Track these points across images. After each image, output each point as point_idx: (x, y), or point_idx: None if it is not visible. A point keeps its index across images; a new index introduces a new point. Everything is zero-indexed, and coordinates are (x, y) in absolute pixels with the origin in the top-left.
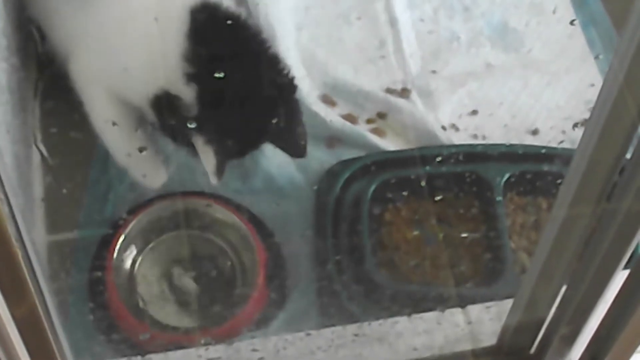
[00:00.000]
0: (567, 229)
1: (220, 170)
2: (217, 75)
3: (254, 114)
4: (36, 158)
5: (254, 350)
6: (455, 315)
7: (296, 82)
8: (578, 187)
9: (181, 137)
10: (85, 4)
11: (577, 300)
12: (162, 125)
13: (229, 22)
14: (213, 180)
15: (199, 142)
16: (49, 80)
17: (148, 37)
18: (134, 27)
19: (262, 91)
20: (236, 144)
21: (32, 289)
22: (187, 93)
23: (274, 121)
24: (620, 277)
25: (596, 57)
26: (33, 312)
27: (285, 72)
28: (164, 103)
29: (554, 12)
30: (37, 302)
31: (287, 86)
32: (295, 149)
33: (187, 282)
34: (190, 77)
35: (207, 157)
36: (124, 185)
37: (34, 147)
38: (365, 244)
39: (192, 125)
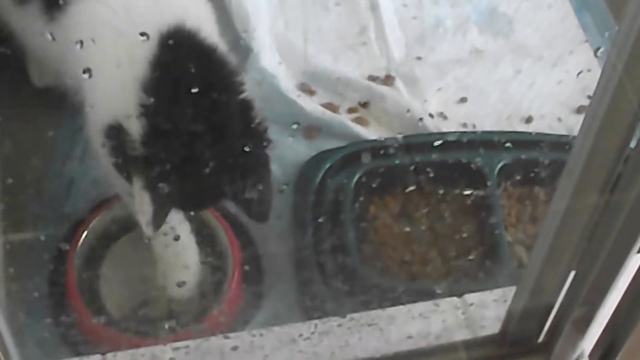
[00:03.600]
0: (572, 216)
1: (156, 222)
2: (175, 113)
3: (211, 167)
4: None
5: (226, 337)
6: (455, 299)
7: (267, 136)
8: (581, 176)
9: (127, 176)
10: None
11: (587, 286)
12: (111, 160)
13: (202, 54)
14: (146, 230)
15: (136, 183)
16: (4, 70)
17: (111, 57)
18: (99, 45)
19: (227, 142)
20: (182, 196)
21: None
22: (136, 127)
23: (235, 179)
24: (635, 261)
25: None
26: None
27: (258, 122)
28: (115, 136)
29: None
30: None
31: (258, 139)
32: (257, 213)
33: (155, 283)
34: (144, 110)
35: (143, 203)
36: (86, 180)
37: None
38: (349, 239)
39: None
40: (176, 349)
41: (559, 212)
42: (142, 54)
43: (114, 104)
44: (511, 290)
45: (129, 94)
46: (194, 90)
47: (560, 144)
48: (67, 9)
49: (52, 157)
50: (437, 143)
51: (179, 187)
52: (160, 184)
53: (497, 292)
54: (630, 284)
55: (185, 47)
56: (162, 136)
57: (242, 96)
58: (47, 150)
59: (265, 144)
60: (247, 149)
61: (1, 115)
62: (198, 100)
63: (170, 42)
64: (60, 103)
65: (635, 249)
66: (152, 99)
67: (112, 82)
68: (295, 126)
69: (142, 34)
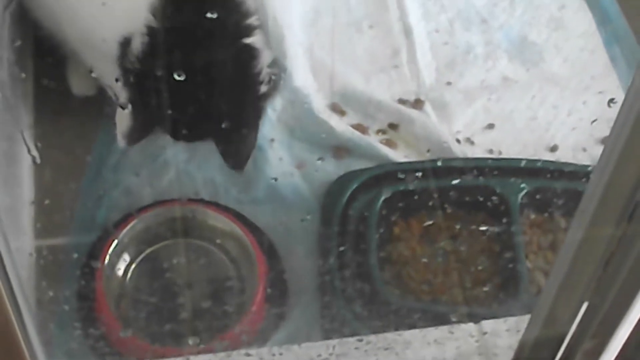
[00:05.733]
0: (587, 247)
1: (131, 137)
2: (176, 39)
3: (199, 101)
4: (27, 158)
5: (247, 355)
6: (470, 326)
7: (274, 83)
8: (597, 207)
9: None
10: None
11: (598, 318)
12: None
13: None
14: (120, 142)
15: (122, 94)
16: (44, 78)
17: None
18: None
19: (220, 81)
20: (165, 122)
21: (6, 299)
22: (137, 44)
23: (220, 120)
24: None
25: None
26: (6, 323)
27: (258, 70)
28: (124, 48)
29: (575, 27)
30: (10, 312)
31: (253, 88)
32: (235, 159)
33: (182, 294)
34: (148, 31)
35: (122, 115)
36: (118, 190)
37: (24, 146)
38: (373, 259)
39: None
40: None
41: (574, 243)
42: None
43: (129, 18)
44: (524, 321)
45: (142, 12)
46: (201, 21)
47: (583, 173)
48: None
49: (87, 167)
50: (462, 168)
51: (163, 111)
52: (144, 103)
53: (510, 322)
54: None
55: None
56: (158, 58)
57: (248, 40)
58: (82, 160)
59: (260, 94)
60: (240, 94)
61: (40, 124)
62: (202, 32)
63: None
64: (96, 113)
65: None
66: (157, 21)
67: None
68: (319, 161)
69: None
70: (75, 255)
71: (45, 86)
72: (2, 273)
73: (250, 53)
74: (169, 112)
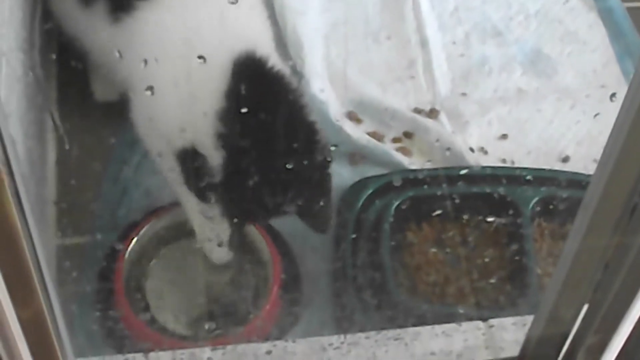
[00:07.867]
0: (586, 251)
1: (232, 244)
2: (252, 142)
3: (283, 187)
4: (51, 158)
5: (262, 343)
6: (477, 322)
7: (330, 156)
8: (596, 209)
9: (202, 196)
10: (124, 30)
11: (599, 317)
12: (184, 179)
13: (273, 83)
14: (223, 255)
15: (216, 210)
16: (68, 80)
17: (184, 81)
18: (171, 65)
19: (296, 164)
20: (253, 214)
21: (40, 291)
22: (215, 157)
23: (299, 197)
24: None
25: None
26: (39, 314)
27: (322, 145)
28: (190, 159)
29: (589, 41)
30: (43, 304)
31: (322, 160)
32: (318, 225)
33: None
34: (222, 141)
35: (221, 229)
36: (139, 190)
37: (48, 147)
38: (386, 263)
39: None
40: (214, 349)
41: (573, 247)
42: (215, 83)
43: (186, 128)
44: (530, 318)
45: (201, 118)
46: (267, 119)
47: None
48: (138, 27)
49: (109, 167)
50: (475, 176)
51: (253, 208)
52: (237, 211)
53: (516, 320)
54: None
55: (258, 76)
56: (242, 164)
57: (308, 120)
58: (104, 160)
59: (328, 163)
60: (313, 169)
61: (64, 125)
62: (271, 128)
63: (243, 71)
64: (119, 116)
65: None
66: (229, 129)
67: (183, 106)
68: (333, 148)
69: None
70: (98, 250)
71: (68, 82)
72: (37, 268)
73: (313, 129)
74: (258, 207)
